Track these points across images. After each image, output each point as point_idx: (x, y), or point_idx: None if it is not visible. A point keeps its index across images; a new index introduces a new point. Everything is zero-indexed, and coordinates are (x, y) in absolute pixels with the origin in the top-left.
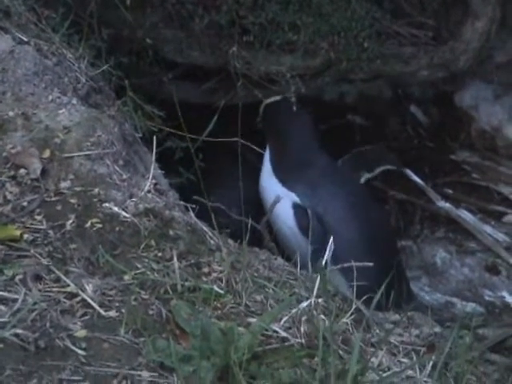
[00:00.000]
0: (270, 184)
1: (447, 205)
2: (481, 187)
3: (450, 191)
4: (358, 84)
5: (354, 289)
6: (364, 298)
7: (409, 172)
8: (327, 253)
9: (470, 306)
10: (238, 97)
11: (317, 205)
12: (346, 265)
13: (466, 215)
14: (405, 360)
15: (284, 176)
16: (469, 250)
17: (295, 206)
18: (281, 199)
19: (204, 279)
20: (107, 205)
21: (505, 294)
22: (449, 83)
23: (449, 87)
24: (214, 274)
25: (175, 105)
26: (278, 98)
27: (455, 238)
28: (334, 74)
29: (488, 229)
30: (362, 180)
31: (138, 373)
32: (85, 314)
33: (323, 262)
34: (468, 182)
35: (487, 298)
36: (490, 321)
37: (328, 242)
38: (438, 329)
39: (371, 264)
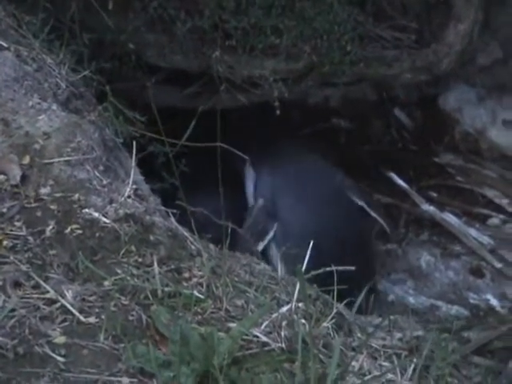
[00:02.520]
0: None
1: (432, 208)
2: (465, 190)
3: (435, 194)
4: (342, 87)
5: (335, 293)
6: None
7: (393, 175)
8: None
9: (455, 309)
10: (221, 101)
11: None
12: (327, 269)
13: (450, 218)
14: (386, 363)
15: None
16: (453, 253)
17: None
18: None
19: (184, 284)
20: (87, 210)
21: (489, 296)
22: (433, 86)
23: (433, 90)
24: (195, 279)
25: (158, 110)
26: None
27: (440, 241)
28: (316, 78)
29: (472, 232)
30: None
31: (118, 379)
32: (64, 321)
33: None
34: (452, 185)
35: (472, 301)
36: (475, 323)
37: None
38: (421, 332)
39: (353, 268)
